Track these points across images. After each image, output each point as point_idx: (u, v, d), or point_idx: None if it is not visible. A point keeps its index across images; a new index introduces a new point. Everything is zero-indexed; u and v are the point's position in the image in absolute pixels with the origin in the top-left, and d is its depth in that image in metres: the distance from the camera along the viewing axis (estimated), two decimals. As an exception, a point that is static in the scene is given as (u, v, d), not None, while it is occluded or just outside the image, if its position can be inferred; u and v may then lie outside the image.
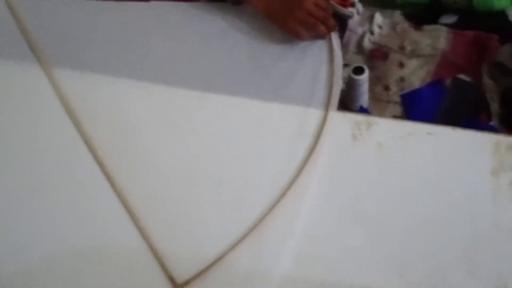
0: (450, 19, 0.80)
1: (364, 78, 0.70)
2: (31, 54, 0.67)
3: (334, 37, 0.71)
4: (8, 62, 0.65)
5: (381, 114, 0.71)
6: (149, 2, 0.73)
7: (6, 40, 0.66)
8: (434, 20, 0.80)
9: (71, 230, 0.56)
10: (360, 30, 0.79)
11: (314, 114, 0.64)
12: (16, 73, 0.65)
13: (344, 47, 0.76)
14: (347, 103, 0.72)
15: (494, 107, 0.70)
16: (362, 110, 0.72)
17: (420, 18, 0.80)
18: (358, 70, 0.70)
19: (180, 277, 0.53)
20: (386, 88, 0.74)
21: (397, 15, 0.81)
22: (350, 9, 0.74)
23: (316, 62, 0.69)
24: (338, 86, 0.67)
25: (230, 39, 0.71)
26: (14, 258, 0.54)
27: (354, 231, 0.56)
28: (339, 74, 0.68)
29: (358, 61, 0.76)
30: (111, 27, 0.70)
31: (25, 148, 0.60)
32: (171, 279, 0.54)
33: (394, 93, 0.74)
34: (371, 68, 0.74)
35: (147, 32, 0.70)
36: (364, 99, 0.72)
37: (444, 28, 0.78)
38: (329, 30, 0.70)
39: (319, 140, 0.61)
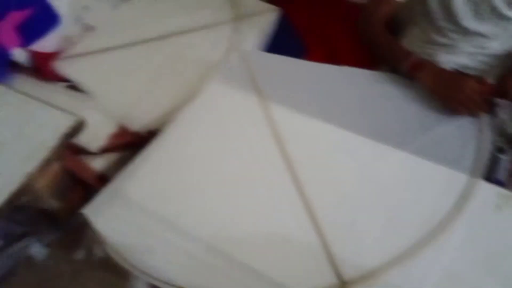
0: None
1: (505, 157, 0.84)
2: (254, 92, 0.89)
3: (485, 117, 0.87)
4: (236, 93, 0.88)
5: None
6: (342, 67, 0.95)
7: (239, 80, 0.88)
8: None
9: (264, 220, 0.74)
10: (504, 116, 0.95)
11: (461, 177, 0.78)
12: (241, 102, 0.87)
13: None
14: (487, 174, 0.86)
15: None
16: (498, 182, 0.85)
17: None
18: (501, 150, 0.85)
19: (346, 276, 0.69)
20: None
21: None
22: (499, 100, 0.89)
23: (468, 133, 0.84)
24: (485, 158, 0.81)
25: (401, 102, 0.89)
26: (222, 229, 0.72)
27: (488, 281, 0.67)
28: (487, 147, 0.82)
29: (500, 142, 0.91)
30: (313, 80, 0.92)
31: (238, 155, 0.81)
32: (338, 275, 0.69)
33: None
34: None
35: (338, 88, 0.90)
36: (501, 174, 0.87)
37: None
38: (482, 111, 0.85)
39: (466, 200, 0.74)
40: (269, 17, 1.10)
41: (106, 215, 0.73)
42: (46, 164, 0.83)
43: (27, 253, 0.94)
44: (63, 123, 0.86)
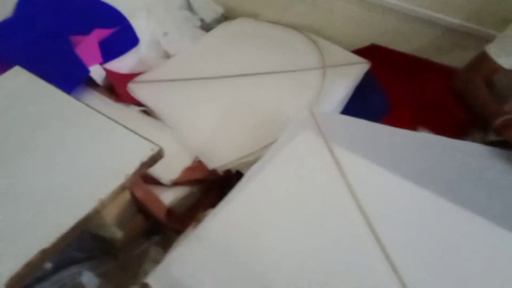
0: None
1: None
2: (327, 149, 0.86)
3: None
4: (311, 148, 0.85)
5: None
6: (418, 132, 0.91)
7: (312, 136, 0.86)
8: None
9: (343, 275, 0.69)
10: None
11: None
12: (316, 156, 0.83)
13: None
14: None
15: None
16: None
17: None
18: None
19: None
20: None
21: None
22: None
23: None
24: None
25: (484, 172, 0.84)
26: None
27: None
28: None
29: None
30: (385, 143, 0.88)
31: (317, 210, 0.77)
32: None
33: None
34: None
35: (411, 152, 0.86)
36: None
37: None
38: None
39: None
40: (358, 69, 1.07)
41: (187, 259, 0.67)
42: (119, 191, 0.79)
43: (78, 280, 0.89)
44: (143, 151, 0.82)
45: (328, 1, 1.19)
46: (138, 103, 1.07)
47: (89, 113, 0.89)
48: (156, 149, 0.82)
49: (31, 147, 0.79)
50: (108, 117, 0.88)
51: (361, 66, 1.09)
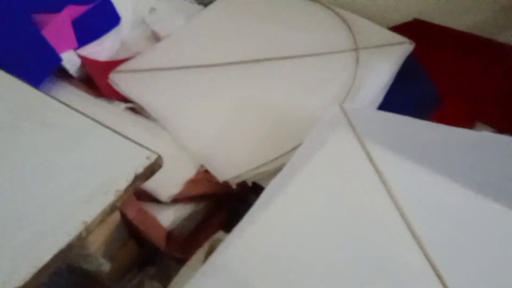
0: None
1: None
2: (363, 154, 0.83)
3: None
4: (343, 153, 0.83)
5: None
6: (476, 131, 0.91)
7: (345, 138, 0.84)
8: None
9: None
10: None
11: None
12: (349, 163, 0.82)
13: None
14: None
15: None
16: None
17: None
18: None
19: None
20: None
21: None
22: None
23: None
24: None
25: None
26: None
27: None
28: None
29: None
30: (430, 142, 0.86)
31: (356, 230, 0.75)
32: None
33: None
34: None
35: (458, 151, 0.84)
36: None
37: None
38: None
39: None
40: (398, 51, 1.03)
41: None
42: (108, 212, 0.75)
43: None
44: (136, 160, 0.77)
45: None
46: (124, 99, 1.02)
47: (65, 112, 0.84)
48: (153, 157, 0.78)
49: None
50: (90, 118, 0.83)
51: (402, 48, 1.04)
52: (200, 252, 0.83)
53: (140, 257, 0.92)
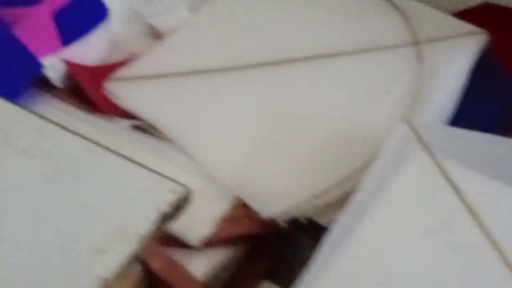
0: None
1: None
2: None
3: None
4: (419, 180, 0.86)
5: None
6: None
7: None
8: None
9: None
10: None
11: None
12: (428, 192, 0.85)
13: None
14: None
15: None
16: None
17: None
18: None
19: None
20: None
21: None
22: None
23: None
24: None
25: None
26: None
27: None
28: None
29: None
30: None
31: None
32: None
33: None
34: None
35: None
36: None
37: None
38: None
39: None
40: (469, 44, 1.05)
41: None
42: (129, 264, 0.75)
43: None
44: (160, 196, 0.78)
45: None
46: (125, 114, 1.04)
47: (56, 134, 0.84)
48: (179, 190, 0.78)
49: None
50: (90, 140, 0.83)
51: (474, 39, 1.07)
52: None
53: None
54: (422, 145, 0.88)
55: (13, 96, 0.97)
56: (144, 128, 1.03)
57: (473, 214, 0.84)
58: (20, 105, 0.87)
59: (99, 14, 1.18)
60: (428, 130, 0.89)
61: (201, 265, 0.90)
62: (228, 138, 1.00)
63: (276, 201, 0.91)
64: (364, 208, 0.81)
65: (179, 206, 0.78)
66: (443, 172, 0.87)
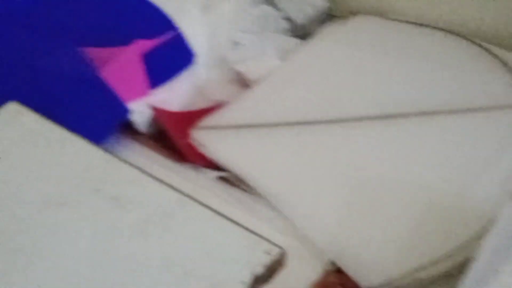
0: None
1: None
2: None
3: None
4: None
5: None
6: None
7: None
8: None
9: None
10: None
11: None
12: None
13: None
14: None
15: None
16: None
17: None
18: None
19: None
20: None
21: None
22: None
23: None
24: None
25: None
26: None
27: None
28: None
29: None
30: None
31: None
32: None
33: None
34: None
35: None
36: None
37: None
38: None
39: None
40: None
41: None
42: None
43: None
44: (253, 257, 0.75)
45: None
46: (211, 165, 1.01)
47: (144, 184, 0.83)
48: (275, 251, 0.76)
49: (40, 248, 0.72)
50: (180, 192, 0.82)
51: None
52: None
53: None
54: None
55: (98, 140, 0.95)
56: (231, 180, 1.00)
57: None
58: (111, 152, 0.87)
59: (185, 58, 1.17)
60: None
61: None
62: (320, 196, 0.96)
63: (377, 270, 0.87)
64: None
65: (273, 269, 0.76)
66: None
